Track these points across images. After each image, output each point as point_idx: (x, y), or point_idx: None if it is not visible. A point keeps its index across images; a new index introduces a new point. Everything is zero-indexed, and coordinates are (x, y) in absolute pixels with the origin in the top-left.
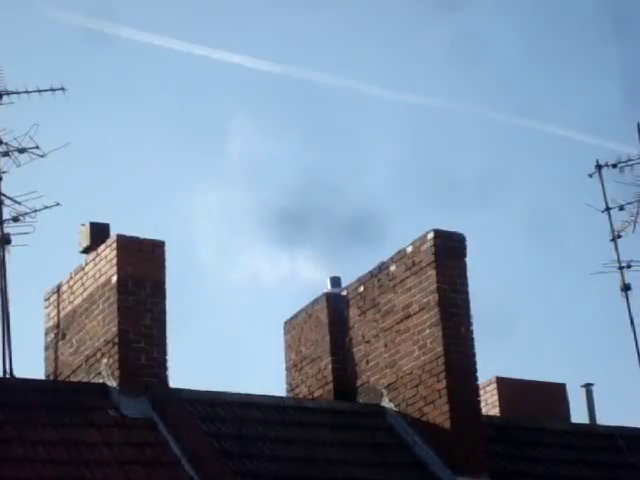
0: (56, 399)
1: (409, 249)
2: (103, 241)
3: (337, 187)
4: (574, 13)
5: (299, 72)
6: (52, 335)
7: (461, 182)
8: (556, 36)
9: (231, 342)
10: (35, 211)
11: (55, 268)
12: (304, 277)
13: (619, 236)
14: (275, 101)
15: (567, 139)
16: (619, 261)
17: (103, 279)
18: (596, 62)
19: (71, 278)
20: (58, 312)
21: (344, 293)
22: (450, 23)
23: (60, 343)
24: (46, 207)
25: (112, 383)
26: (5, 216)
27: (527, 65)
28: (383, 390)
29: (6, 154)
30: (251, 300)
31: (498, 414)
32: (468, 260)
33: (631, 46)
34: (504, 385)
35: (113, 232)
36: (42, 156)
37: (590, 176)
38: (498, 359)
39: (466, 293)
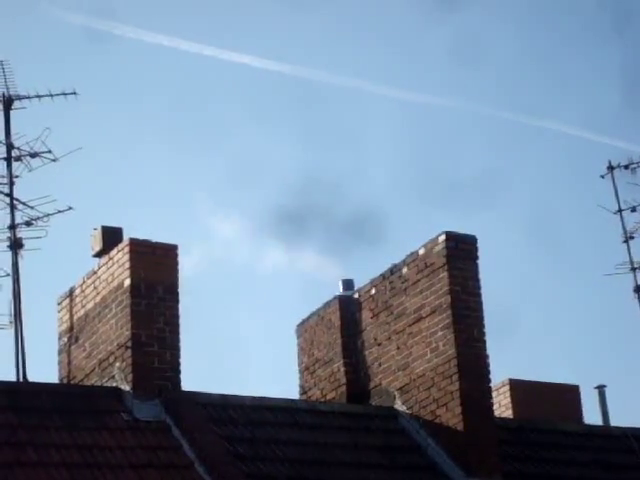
0: (69, 403)
1: (421, 251)
2: (116, 245)
3: (337, 187)
4: (574, 13)
5: (301, 71)
6: (65, 339)
7: (464, 181)
8: (556, 36)
9: (243, 345)
10: (48, 215)
11: (68, 272)
12: (305, 277)
13: (631, 237)
14: (277, 101)
15: (567, 136)
16: (631, 262)
17: (116, 283)
18: (596, 62)
19: (84, 282)
20: (71, 316)
21: (356, 296)
22: (451, 23)
23: (73, 347)
24: (59, 211)
25: (125, 387)
26: (18, 220)
27: (527, 64)
28: (395, 392)
29: (18, 159)
30: (256, 301)
31: (511, 416)
32: (480, 262)
33: (631, 46)
34: (517, 387)
35: (126, 236)
36: (54, 160)
37: (602, 177)
38: (511, 361)
39: (478, 295)
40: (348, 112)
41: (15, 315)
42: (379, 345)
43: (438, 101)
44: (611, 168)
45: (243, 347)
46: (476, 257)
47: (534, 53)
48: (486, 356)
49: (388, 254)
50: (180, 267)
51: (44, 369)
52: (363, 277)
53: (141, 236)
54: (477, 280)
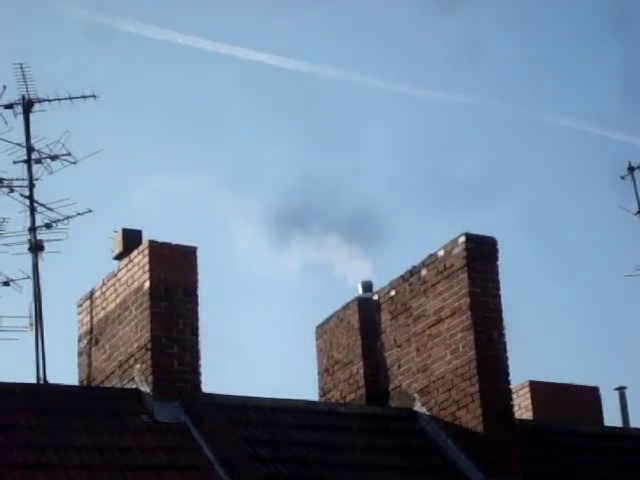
0: (89, 405)
1: (440, 253)
2: (135, 247)
3: (337, 187)
4: (575, 12)
5: (303, 67)
6: (85, 341)
7: (469, 180)
8: (556, 35)
9: (261, 346)
10: (68, 218)
11: (88, 274)
12: (305, 278)
13: None
14: (278, 98)
15: (569, 131)
16: None
17: (136, 285)
18: (596, 60)
19: (104, 284)
20: (91, 318)
21: (375, 297)
22: (453, 21)
23: (93, 349)
24: (78, 214)
25: (145, 389)
26: (38, 223)
27: (528, 62)
28: (415, 394)
29: (38, 161)
30: (259, 302)
31: (531, 417)
32: (500, 263)
33: (631, 45)
34: (537, 388)
35: (145, 238)
36: (74, 163)
37: (622, 178)
38: (531, 362)
39: (498, 297)
40: (348, 109)
41: (35, 317)
42: (399, 347)
43: (440, 96)
44: (631, 169)
45: (259, 348)
46: (496, 259)
47: (534, 52)
48: (506, 358)
49: (390, 254)
50: (199, 269)
51: (64, 371)
52: (363, 277)
53: (161, 238)
54: (497, 282)
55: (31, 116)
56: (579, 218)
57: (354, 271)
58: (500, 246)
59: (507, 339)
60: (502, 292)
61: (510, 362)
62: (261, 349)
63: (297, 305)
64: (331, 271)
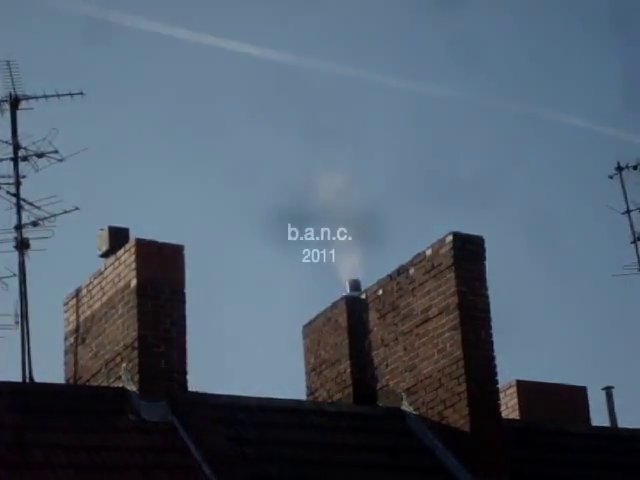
0: (76, 404)
1: (428, 252)
2: (122, 245)
3: (336, 186)
4: (575, 11)
5: (301, 62)
6: (71, 340)
7: (466, 180)
8: (556, 33)
9: (250, 345)
10: (54, 215)
11: (74, 272)
12: (305, 278)
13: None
14: (276, 94)
15: (569, 129)
16: None
17: (122, 283)
18: (596, 58)
19: (90, 282)
20: (77, 316)
21: (363, 296)
22: (452, 19)
23: (79, 347)
24: (65, 211)
25: (132, 387)
26: (24, 221)
27: (528, 61)
28: (403, 394)
29: (25, 159)
30: (262, 301)
31: (518, 417)
32: (487, 263)
33: (631, 44)
34: (524, 388)
35: (132, 236)
36: (61, 160)
37: (611, 177)
38: (518, 362)
39: (486, 296)
40: (348, 107)
41: (21, 315)
42: (386, 346)
43: (440, 93)
44: (620, 169)
45: (247, 347)
46: (483, 258)
47: (534, 49)
48: (493, 357)
49: (388, 255)
50: (186, 267)
51: (50, 370)
52: (364, 277)
53: (148, 236)
54: (484, 281)
55: (18, 113)
56: (577, 218)
57: (350, 271)
58: (498, 247)
59: (494, 338)
60: (501, 292)
61: (497, 361)
62: (249, 348)
63: (287, 304)
64: (325, 271)
